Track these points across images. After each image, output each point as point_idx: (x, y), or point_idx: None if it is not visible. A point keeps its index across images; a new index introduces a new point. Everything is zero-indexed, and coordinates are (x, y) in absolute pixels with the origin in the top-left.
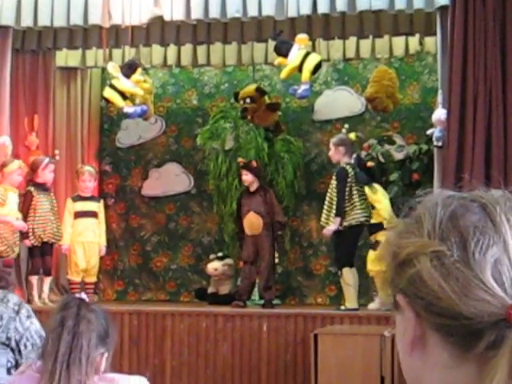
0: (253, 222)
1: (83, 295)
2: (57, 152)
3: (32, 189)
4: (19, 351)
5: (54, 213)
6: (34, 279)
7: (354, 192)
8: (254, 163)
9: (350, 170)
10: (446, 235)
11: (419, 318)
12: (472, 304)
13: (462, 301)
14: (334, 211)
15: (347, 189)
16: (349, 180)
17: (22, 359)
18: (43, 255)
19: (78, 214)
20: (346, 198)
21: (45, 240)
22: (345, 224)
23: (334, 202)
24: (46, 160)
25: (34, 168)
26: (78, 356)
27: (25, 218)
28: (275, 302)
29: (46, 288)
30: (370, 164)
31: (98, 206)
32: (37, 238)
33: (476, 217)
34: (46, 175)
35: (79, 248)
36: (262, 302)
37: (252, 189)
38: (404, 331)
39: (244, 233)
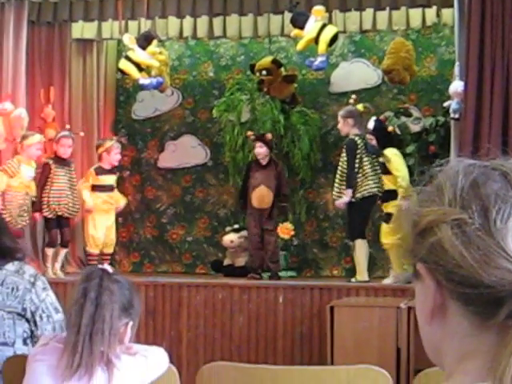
0: (263, 196)
1: (106, 266)
2: (82, 134)
3: (50, 162)
4: (34, 322)
5: (71, 187)
6: (50, 251)
7: (366, 163)
8: (269, 135)
9: (359, 141)
10: (467, 203)
11: (439, 286)
12: (493, 272)
13: (483, 269)
14: (345, 184)
15: (357, 160)
16: (358, 151)
17: (37, 330)
18: (61, 227)
19: (99, 187)
20: (358, 169)
21: (59, 213)
22: (357, 196)
23: (345, 175)
24: (60, 134)
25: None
26: (101, 327)
27: (41, 190)
28: (290, 274)
29: (59, 260)
30: (391, 129)
31: (114, 179)
32: (51, 210)
33: (497, 185)
34: (58, 149)
35: (99, 220)
36: (269, 274)
37: (264, 162)
38: (424, 300)
39: (248, 206)
